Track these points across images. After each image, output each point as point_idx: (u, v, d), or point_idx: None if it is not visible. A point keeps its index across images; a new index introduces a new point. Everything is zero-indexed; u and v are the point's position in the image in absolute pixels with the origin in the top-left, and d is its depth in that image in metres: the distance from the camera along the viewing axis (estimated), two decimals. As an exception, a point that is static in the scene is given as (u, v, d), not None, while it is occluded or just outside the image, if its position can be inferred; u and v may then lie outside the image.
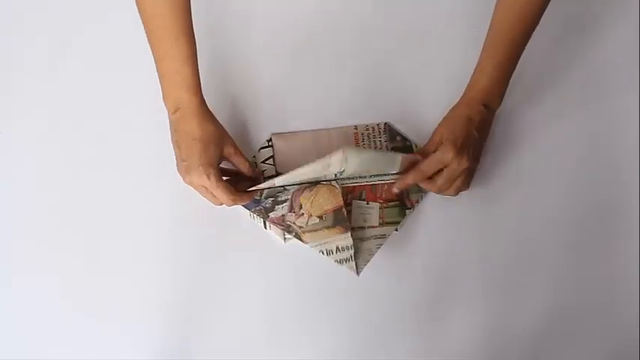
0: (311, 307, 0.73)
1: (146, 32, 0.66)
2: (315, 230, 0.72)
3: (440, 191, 0.71)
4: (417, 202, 0.76)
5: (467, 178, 0.71)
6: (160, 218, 0.74)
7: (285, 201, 0.73)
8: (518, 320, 0.74)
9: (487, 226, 0.77)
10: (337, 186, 0.74)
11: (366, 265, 0.72)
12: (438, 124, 0.73)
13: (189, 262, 0.73)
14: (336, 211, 0.73)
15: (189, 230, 0.74)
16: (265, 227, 0.74)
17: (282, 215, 0.73)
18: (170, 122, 0.69)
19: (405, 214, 0.75)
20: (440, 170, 0.70)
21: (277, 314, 0.73)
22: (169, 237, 0.74)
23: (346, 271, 0.71)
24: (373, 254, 0.73)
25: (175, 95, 0.67)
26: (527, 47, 0.70)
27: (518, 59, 0.71)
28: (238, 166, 0.72)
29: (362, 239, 0.74)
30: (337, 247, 0.72)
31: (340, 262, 0.72)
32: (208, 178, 0.66)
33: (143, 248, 0.73)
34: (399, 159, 0.72)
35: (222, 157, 0.69)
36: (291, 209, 0.73)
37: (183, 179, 0.68)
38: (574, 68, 0.82)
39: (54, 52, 0.80)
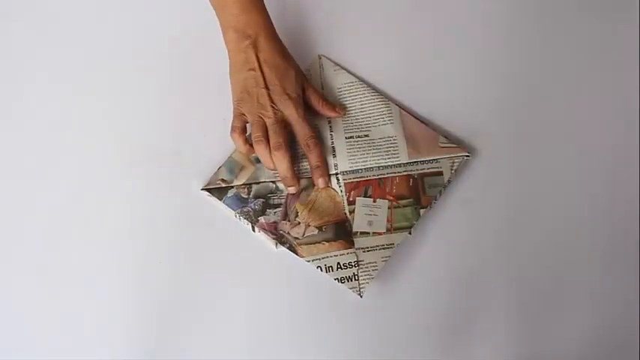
0: (305, 326, 0.67)
1: None
2: (313, 243, 0.66)
3: None
4: (435, 199, 0.68)
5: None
6: (137, 220, 0.70)
7: (278, 205, 0.67)
8: (552, 345, 0.68)
9: (518, 233, 0.70)
10: (339, 191, 0.68)
11: (369, 281, 0.65)
12: None
13: (164, 270, 0.68)
14: (338, 224, 0.67)
15: (164, 233, 0.69)
16: (253, 230, 0.67)
17: (275, 222, 0.67)
18: (238, 52, 0.66)
19: (419, 216, 0.67)
20: None
21: (265, 331, 0.67)
22: (145, 241, 0.69)
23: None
24: (378, 269, 0.65)
25: (243, 24, 0.65)
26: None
27: None
28: (317, 107, 0.69)
29: (366, 249, 0.66)
30: (339, 264, 0.65)
31: (341, 280, 0.65)
32: (297, 108, 0.65)
33: (120, 254, 0.69)
34: (396, 110, 0.70)
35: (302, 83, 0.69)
36: (285, 217, 0.67)
37: (256, 110, 0.65)
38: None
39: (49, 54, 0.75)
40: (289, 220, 0.67)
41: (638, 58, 0.77)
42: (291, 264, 0.67)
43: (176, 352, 0.65)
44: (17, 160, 0.71)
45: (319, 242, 0.65)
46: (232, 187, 0.67)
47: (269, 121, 0.64)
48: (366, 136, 0.70)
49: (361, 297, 0.65)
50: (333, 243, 0.65)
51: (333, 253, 0.65)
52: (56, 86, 0.73)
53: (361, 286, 0.64)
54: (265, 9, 0.65)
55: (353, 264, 0.65)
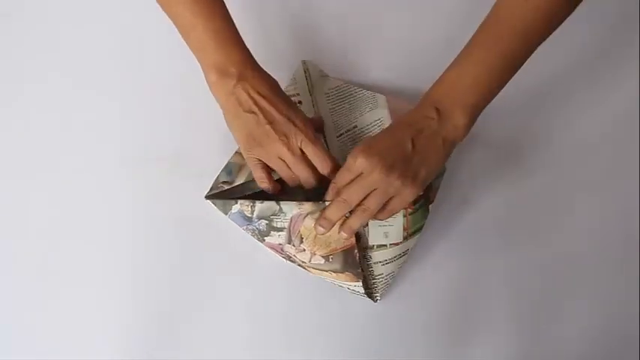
0: (305, 326, 0.67)
1: (167, 13, 0.60)
2: (321, 270, 0.62)
3: (361, 209, 0.58)
4: (437, 190, 0.65)
5: (400, 200, 0.57)
6: (137, 221, 0.68)
7: (282, 229, 0.61)
8: (552, 345, 0.68)
9: (518, 232, 0.70)
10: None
11: (385, 289, 0.64)
12: None
13: (164, 271, 0.67)
14: (346, 252, 0.60)
15: (165, 234, 0.68)
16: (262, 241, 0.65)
17: (280, 244, 0.62)
18: (228, 96, 0.59)
19: (428, 212, 0.64)
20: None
21: (266, 332, 0.66)
22: (145, 241, 0.68)
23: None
24: (394, 276, 0.64)
25: (224, 61, 0.59)
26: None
27: (517, 67, 0.56)
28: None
29: (384, 262, 0.63)
30: (348, 288, 0.63)
31: (354, 292, 0.64)
32: (307, 134, 0.58)
33: (120, 254, 0.68)
34: (382, 99, 0.66)
35: None
36: (289, 241, 0.61)
37: (271, 153, 0.59)
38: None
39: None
40: (294, 245, 0.61)
41: (638, 62, 0.76)
42: (292, 266, 0.66)
43: (176, 353, 0.65)
44: (17, 160, 0.70)
45: (326, 271, 0.62)
46: (237, 202, 0.62)
47: (288, 158, 0.58)
48: (355, 127, 0.67)
49: (375, 302, 0.64)
50: (340, 274, 0.61)
51: (340, 282, 0.63)
52: (56, 87, 0.72)
53: (377, 294, 0.64)
54: (243, 42, 0.60)
55: (361, 292, 0.62)
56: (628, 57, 0.76)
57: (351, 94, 0.70)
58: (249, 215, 0.61)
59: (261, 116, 0.58)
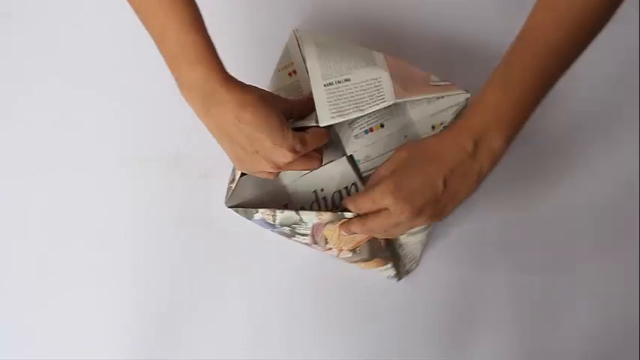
0: (303, 326, 0.66)
1: (139, 16, 0.55)
2: (350, 262, 0.63)
3: (368, 233, 0.58)
4: None
5: (408, 227, 0.56)
6: (137, 220, 0.68)
7: (305, 235, 0.60)
8: (552, 345, 0.67)
9: (518, 232, 0.69)
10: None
11: (413, 269, 0.67)
12: (402, 145, 0.57)
13: (165, 270, 0.67)
14: (372, 242, 0.60)
15: (165, 233, 0.68)
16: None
17: (307, 244, 0.62)
18: (207, 117, 0.55)
19: None
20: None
21: (265, 330, 0.66)
22: (145, 240, 0.67)
23: (352, 283, 0.66)
24: (418, 259, 0.66)
25: (194, 76, 0.53)
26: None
27: (554, 83, 0.53)
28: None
29: (403, 245, 0.65)
30: (380, 272, 0.65)
31: (388, 277, 0.66)
32: (293, 149, 0.54)
33: (121, 253, 0.67)
34: (380, 57, 0.60)
35: (284, 118, 0.56)
36: (314, 242, 0.61)
37: (255, 168, 0.56)
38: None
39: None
40: (320, 245, 0.61)
41: (638, 61, 0.75)
42: (292, 266, 0.66)
43: (176, 353, 0.65)
44: (17, 160, 0.69)
45: (356, 262, 0.63)
46: (258, 211, 0.60)
47: (277, 170, 0.57)
48: (347, 80, 0.60)
49: (398, 280, 0.65)
50: (369, 262, 0.62)
51: (371, 269, 0.64)
52: (56, 86, 0.71)
53: (402, 274, 0.66)
54: (217, 56, 0.54)
55: (392, 276, 0.64)
56: (628, 57, 0.76)
57: (345, 47, 0.63)
58: (272, 222, 0.60)
59: (244, 143, 0.54)
